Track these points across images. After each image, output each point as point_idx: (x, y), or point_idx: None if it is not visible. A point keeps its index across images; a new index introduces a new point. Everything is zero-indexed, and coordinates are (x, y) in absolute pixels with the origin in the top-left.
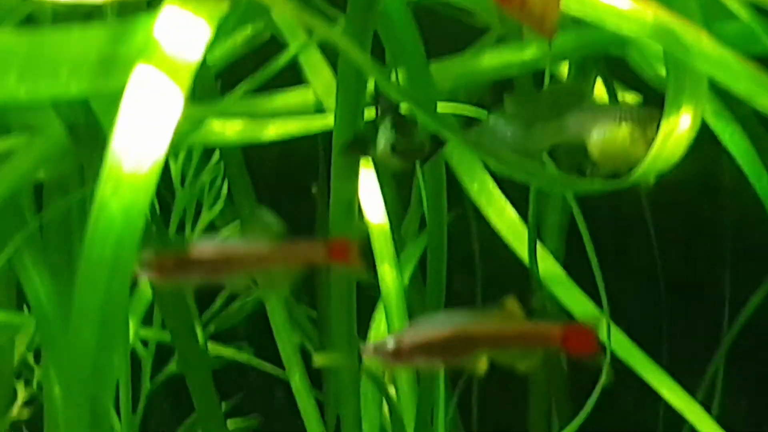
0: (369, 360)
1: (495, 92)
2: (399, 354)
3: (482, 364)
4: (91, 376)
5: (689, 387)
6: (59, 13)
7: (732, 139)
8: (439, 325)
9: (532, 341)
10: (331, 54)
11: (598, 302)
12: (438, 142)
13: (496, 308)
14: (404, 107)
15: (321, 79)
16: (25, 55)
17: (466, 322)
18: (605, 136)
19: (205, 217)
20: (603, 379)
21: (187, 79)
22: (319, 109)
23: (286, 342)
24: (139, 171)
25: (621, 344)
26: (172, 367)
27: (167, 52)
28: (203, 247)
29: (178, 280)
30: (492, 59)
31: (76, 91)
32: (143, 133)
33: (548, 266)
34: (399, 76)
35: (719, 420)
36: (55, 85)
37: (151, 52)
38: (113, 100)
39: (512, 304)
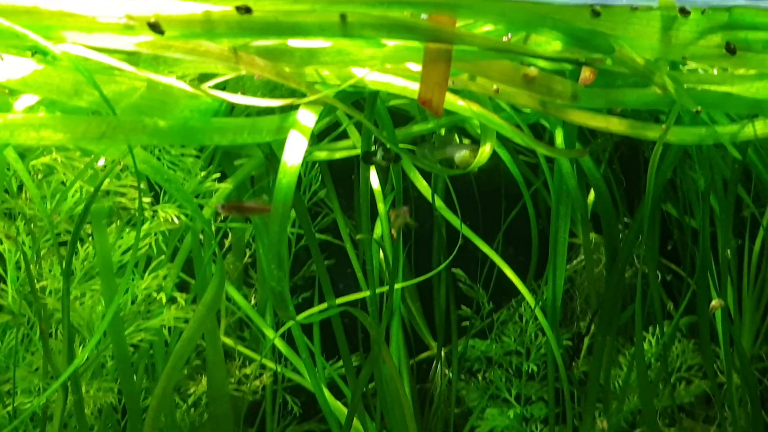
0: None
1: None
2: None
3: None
4: (278, 241)
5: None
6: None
7: (504, 155)
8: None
9: None
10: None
11: (456, 213)
12: (397, 157)
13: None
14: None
15: (355, 135)
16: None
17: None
18: (460, 155)
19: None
20: (459, 242)
21: (308, 135)
22: (355, 146)
23: (344, 233)
24: (293, 166)
25: (468, 233)
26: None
27: (301, 124)
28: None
29: None
30: (418, 127)
31: (278, 139)
32: (293, 154)
33: (438, 203)
34: (383, 134)
35: (503, 256)
36: (263, 138)
37: (296, 124)
38: (281, 143)
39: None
